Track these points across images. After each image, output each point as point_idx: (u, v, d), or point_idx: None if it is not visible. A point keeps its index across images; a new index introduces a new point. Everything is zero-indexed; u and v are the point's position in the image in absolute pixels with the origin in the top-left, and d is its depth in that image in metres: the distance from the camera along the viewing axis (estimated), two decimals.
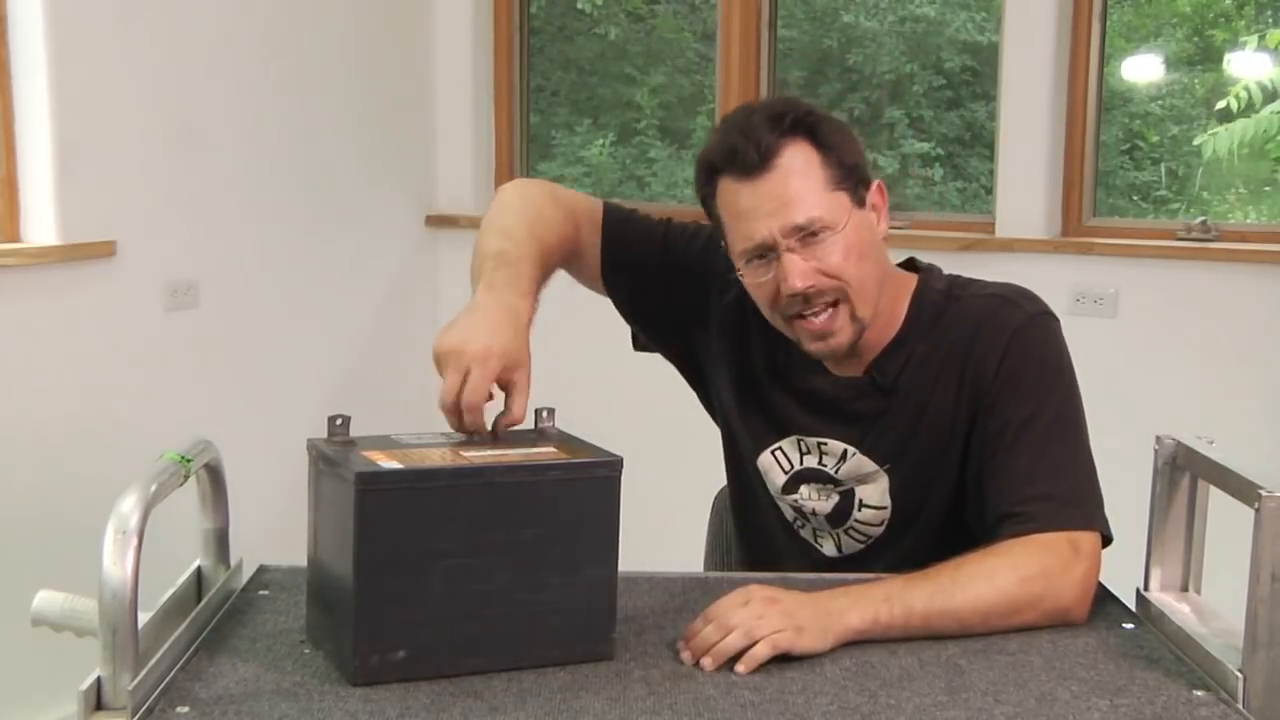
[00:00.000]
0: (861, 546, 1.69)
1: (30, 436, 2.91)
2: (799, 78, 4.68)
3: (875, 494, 1.67)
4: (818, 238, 1.54)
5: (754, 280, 1.59)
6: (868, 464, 1.66)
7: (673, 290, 1.76)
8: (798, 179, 1.54)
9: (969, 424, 1.61)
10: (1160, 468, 1.48)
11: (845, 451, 1.67)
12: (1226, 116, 3.95)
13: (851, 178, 1.57)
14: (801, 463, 1.70)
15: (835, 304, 1.57)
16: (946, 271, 1.71)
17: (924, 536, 1.64)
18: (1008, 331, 1.60)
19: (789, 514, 1.74)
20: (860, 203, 1.59)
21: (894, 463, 1.65)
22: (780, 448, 1.71)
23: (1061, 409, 1.58)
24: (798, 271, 1.54)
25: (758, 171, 1.54)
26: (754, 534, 1.81)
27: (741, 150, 1.54)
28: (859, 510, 1.68)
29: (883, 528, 1.67)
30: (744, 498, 1.81)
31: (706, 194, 1.61)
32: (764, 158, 1.53)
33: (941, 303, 1.65)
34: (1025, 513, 1.50)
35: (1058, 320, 1.64)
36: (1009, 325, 1.60)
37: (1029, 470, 1.54)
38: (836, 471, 1.68)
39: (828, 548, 1.72)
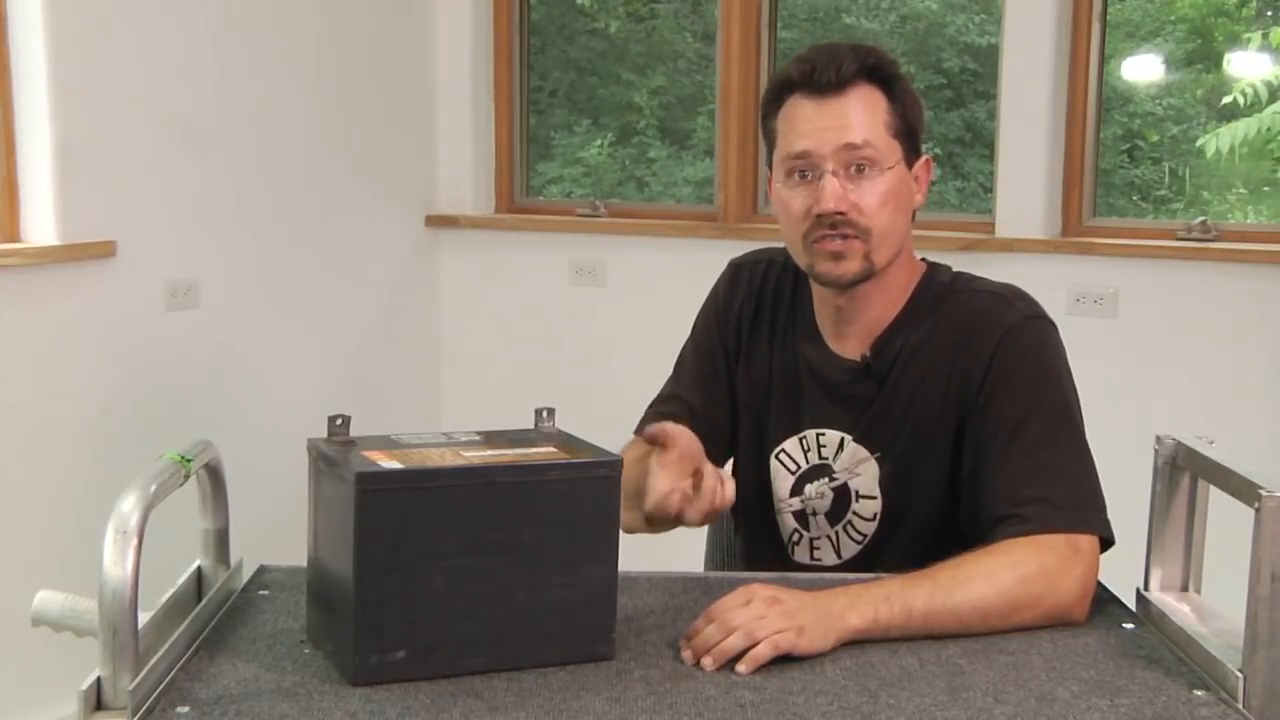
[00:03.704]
0: (859, 548, 1.70)
1: (30, 436, 2.91)
2: None
3: (867, 484, 1.68)
4: (864, 173, 1.59)
5: (788, 193, 1.63)
6: (861, 451, 1.67)
7: (718, 390, 1.80)
8: (863, 110, 1.60)
9: (957, 418, 1.62)
10: (1160, 468, 1.48)
11: (841, 440, 1.69)
12: (1230, 113, 3.95)
13: (909, 138, 1.64)
14: (806, 460, 1.71)
15: (855, 238, 1.60)
16: (957, 270, 1.73)
17: (917, 537, 1.65)
18: (999, 330, 1.61)
19: (786, 530, 1.75)
20: (909, 164, 1.64)
21: (884, 450, 1.66)
22: (784, 450, 1.73)
23: (1057, 411, 1.58)
24: (834, 194, 1.58)
25: (831, 92, 1.60)
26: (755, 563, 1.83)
27: (822, 70, 1.60)
28: (856, 501, 1.69)
29: (876, 522, 1.68)
30: (747, 535, 1.84)
31: (770, 110, 1.67)
32: (840, 82, 1.60)
33: (941, 294, 1.68)
34: (1022, 514, 1.50)
35: (1054, 325, 1.64)
36: (1001, 324, 1.61)
37: (1026, 473, 1.54)
38: (834, 461, 1.69)
39: (827, 556, 1.72)
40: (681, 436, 1.51)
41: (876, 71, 1.62)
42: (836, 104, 1.60)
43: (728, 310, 1.79)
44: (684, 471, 1.50)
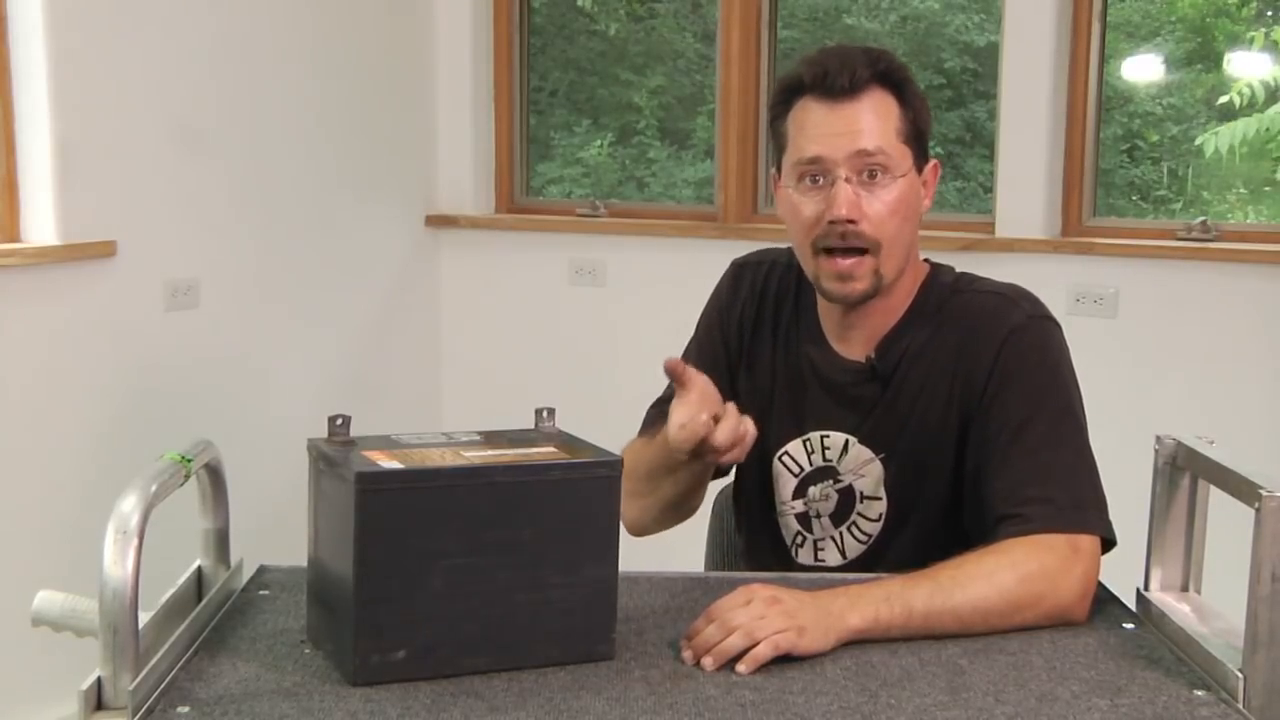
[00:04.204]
0: (863, 548, 1.70)
1: (30, 436, 2.91)
2: None
3: (871, 485, 1.68)
4: (876, 180, 1.59)
5: (799, 198, 1.62)
6: (865, 453, 1.67)
7: (723, 391, 1.77)
8: (875, 116, 1.60)
9: (961, 418, 1.62)
10: (1160, 468, 1.48)
11: (846, 442, 1.68)
12: (1229, 113, 3.95)
13: (918, 142, 1.64)
14: (810, 462, 1.71)
15: (864, 253, 1.60)
16: (960, 270, 1.73)
17: (921, 537, 1.65)
18: (1004, 330, 1.61)
19: (789, 532, 1.74)
20: (919, 170, 1.64)
21: (889, 452, 1.66)
22: (788, 451, 1.72)
23: (1060, 412, 1.58)
24: (847, 200, 1.58)
25: (843, 96, 1.59)
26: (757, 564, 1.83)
27: (834, 74, 1.60)
28: (860, 503, 1.69)
29: (881, 523, 1.68)
30: (750, 538, 1.84)
31: (779, 111, 1.66)
32: (853, 87, 1.59)
33: (945, 295, 1.68)
34: (1024, 514, 1.50)
35: (1059, 325, 1.64)
36: (1006, 324, 1.61)
37: (1028, 473, 1.54)
38: (838, 463, 1.69)
39: (831, 557, 1.72)
40: (700, 378, 1.53)
41: (888, 76, 1.61)
42: (849, 108, 1.59)
43: (730, 310, 1.78)
44: (704, 411, 1.51)
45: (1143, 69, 4.62)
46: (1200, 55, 4.70)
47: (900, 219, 1.60)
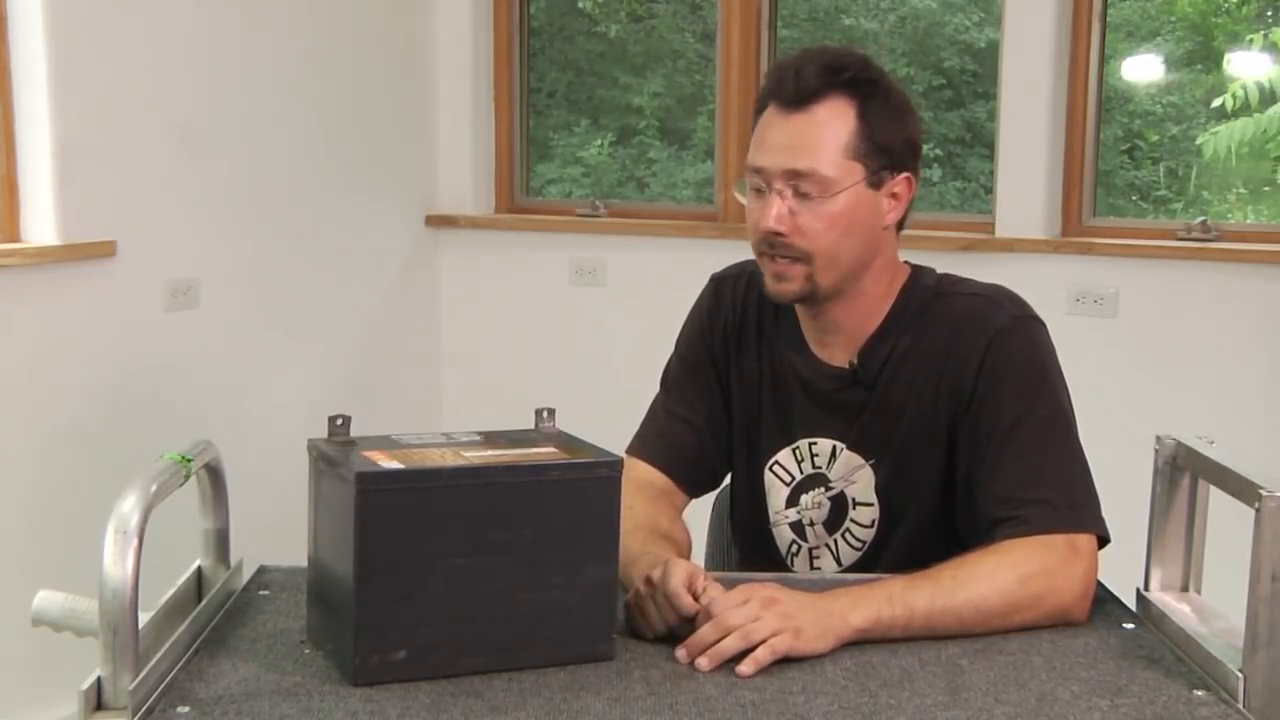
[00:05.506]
0: (858, 554, 1.70)
1: (30, 436, 2.91)
2: None
3: (863, 490, 1.67)
4: (810, 197, 1.56)
5: (749, 204, 1.63)
6: (855, 459, 1.67)
7: (715, 404, 1.77)
8: (820, 131, 1.57)
9: (950, 421, 1.61)
10: (1160, 468, 1.48)
11: (834, 448, 1.68)
12: (1223, 115, 3.95)
13: (878, 156, 1.59)
14: (800, 471, 1.71)
15: (796, 261, 1.59)
16: (941, 271, 1.72)
17: (914, 540, 1.64)
18: (989, 332, 1.60)
19: (784, 542, 1.74)
20: (876, 184, 1.60)
21: (878, 457, 1.66)
22: (778, 461, 1.72)
23: (1050, 412, 1.57)
24: (775, 214, 1.57)
25: (791, 108, 1.58)
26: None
27: (787, 83, 1.58)
28: (853, 509, 1.68)
29: (874, 529, 1.68)
30: (745, 549, 1.84)
31: (757, 112, 1.65)
32: (800, 99, 1.57)
33: (928, 298, 1.66)
34: (1021, 516, 1.50)
35: (1043, 325, 1.63)
36: (990, 326, 1.60)
37: (1022, 475, 1.54)
38: (828, 470, 1.68)
39: (827, 564, 1.72)
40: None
41: (853, 85, 1.58)
42: (797, 121, 1.57)
43: (713, 324, 1.77)
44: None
45: (1143, 69, 4.62)
46: (1200, 55, 4.70)
47: (839, 233, 1.58)
